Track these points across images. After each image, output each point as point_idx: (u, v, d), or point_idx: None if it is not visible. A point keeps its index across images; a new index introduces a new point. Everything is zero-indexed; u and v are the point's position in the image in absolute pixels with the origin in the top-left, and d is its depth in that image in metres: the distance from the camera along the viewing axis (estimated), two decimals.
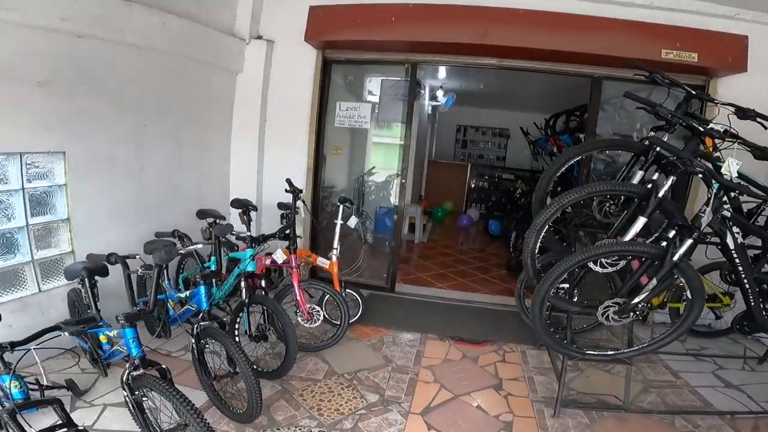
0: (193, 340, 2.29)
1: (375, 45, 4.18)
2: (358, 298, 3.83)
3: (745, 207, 2.80)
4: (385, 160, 5.02)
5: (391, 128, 4.78)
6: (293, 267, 3.16)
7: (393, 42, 4.03)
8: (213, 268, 3.01)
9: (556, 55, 3.77)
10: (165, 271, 2.76)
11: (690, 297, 2.34)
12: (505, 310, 4.33)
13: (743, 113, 2.38)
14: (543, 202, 2.70)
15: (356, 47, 4.29)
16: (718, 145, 2.48)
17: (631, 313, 2.36)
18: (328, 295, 3.47)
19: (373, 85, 4.80)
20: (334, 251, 3.51)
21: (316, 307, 3.32)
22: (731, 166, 2.14)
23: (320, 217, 4.69)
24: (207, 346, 2.34)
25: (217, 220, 3.19)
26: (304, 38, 4.14)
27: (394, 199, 4.66)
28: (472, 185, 10.22)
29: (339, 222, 3.53)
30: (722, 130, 2.30)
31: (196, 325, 2.28)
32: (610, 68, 3.89)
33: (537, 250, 2.52)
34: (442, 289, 4.93)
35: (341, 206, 3.57)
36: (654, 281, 2.26)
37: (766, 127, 2.37)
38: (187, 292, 2.49)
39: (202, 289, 2.33)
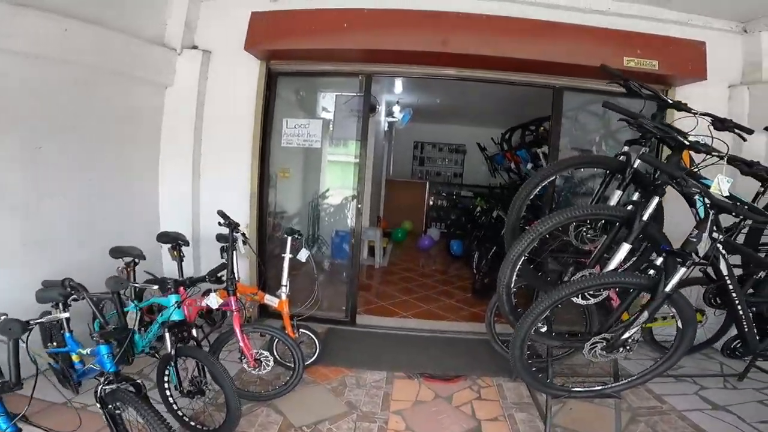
0: (99, 405, 1.85)
1: (326, 55, 3.85)
2: (314, 337, 3.38)
3: None
4: (341, 181, 4.65)
5: (348, 146, 4.44)
6: (234, 310, 2.71)
7: (345, 51, 3.71)
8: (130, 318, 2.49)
9: (517, 64, 3.59)
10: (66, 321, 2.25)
11: (681, 327, 2.16)
12: (475, 339, 4.00)
13: (721, 124, 2.21)
14: (516, 229, 2.47)
15: (305, 57, 3.94)
16: (695, 160, 2.34)
17: (621, 348, 2.15)
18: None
19: (326, 100, 4.46)
20: (283, 289, 3.10)
21: (264, 352, 2.89)
22: (721, 184, 1.96)
23: (270, 246, 4.22)
24: (118, 410, 1.88)
25: (136, 260, 2.66)
26: (244, 47, 3.73)
27: (351, 222, 4.28)
28: (431, 203, 10.05)
29: (287, 256, 3.11)
30: (704, 143, 2.12)
31: (99, 389, 1.85)
32: (571, 78, 3.76)
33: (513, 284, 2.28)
34: (407, 318, 4.57)
35: (289, 238, 3.15)
36: (645, 314, 2.05)
37: (744, 139, 2.22)
38: (88, 350, 1.97)
39: (102, 349, 1.85)
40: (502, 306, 2.36)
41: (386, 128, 8.71)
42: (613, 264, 2.21)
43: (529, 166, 6.27)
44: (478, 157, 9.13)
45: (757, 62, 3.68)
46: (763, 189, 2.58)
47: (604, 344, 2.17)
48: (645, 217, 2.14)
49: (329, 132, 4.37)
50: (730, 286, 2.10)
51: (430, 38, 3.45)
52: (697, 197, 2.05)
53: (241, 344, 2.72)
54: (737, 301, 2.13)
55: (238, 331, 2.70)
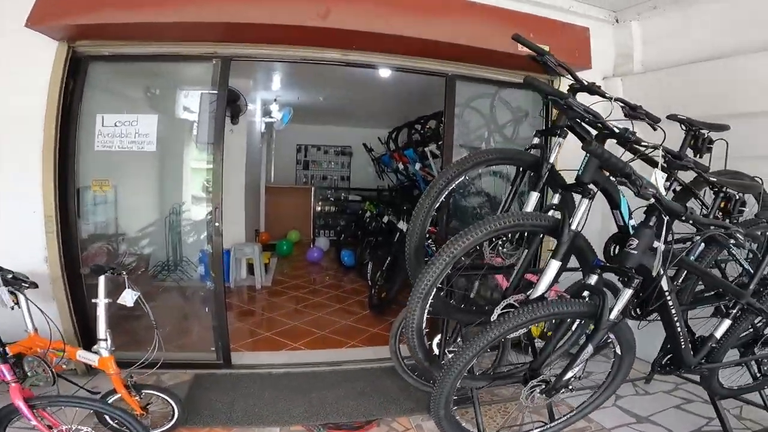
0: None
1: (162, 31, 2.92)
2: (167, 397, 2.46)
3: None
4: (206, 192, 3.75)
5: (207, 150, 3.55)
6: (8, 381, 1.87)
7: (191, 26, 2.83)
8: None
9: (407, 45, 3.08)
10: None
11: (620, 353, 1.91)
12: (381, 368, 3.43)
13: (633, 111, 1.97)
14: (421, 250, 2.01)
15: (131, 36, 2.97)
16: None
17: (564, 389, 1.83)
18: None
19: (166, 91, 3.52)
20: (102, 344, 2.20)
21: (82, 428, 2.03)
22: (658, 182, 1.68)
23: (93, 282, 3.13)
24: None
25: None
26: (26, 23, 2.62)
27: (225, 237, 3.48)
28: (318, 210, 9.38)
29: (101, 301, 2.18)
30: (633, 132, 1.83)
31: None
32: (464, 65, 3.40)
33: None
34: (300, 350, 3.82)
35: (101, 279, 2.22)
36: (590, 349, 1.70)
37: (654, 128, 2.01)
38: None
39: None
40: (414, 352, 1.88)
41: (263, 130, 7.86)
42: (541, 288, 1.83)
43: (418, 166, 6.01)
44: (364, 159, 8.74)
45: (628, 53, 3.69)
46: (669, 184, 2.45)
47: (544, 387, 1.81)
48: (575, 226, 1.79)
49: (195, 135, 3.54)
50: (670, 303, 1.85)
51: (307, 9, 2.76)
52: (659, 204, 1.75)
53: (34, 422, 1.88)
54: (676, 319, 1.90)
55: (21, 405, 1.84)
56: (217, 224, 3.21)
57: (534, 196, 2.03)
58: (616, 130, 1.76)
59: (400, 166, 6.75)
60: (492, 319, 1.85)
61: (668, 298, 1.80)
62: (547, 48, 3.17)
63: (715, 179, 2.10)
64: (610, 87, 3.76)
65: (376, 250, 5.80)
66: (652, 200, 1.54)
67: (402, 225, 5.01)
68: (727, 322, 2.02)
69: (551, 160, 2.03)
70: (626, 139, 1.75)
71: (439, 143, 5.24)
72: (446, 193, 1.97)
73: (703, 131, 2.40)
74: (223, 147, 3.21)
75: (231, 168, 5.04)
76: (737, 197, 2.13)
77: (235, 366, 3.35)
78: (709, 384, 2.15)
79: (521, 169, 2.12)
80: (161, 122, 3.27)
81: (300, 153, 10.08)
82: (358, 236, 7.27)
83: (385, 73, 4.43)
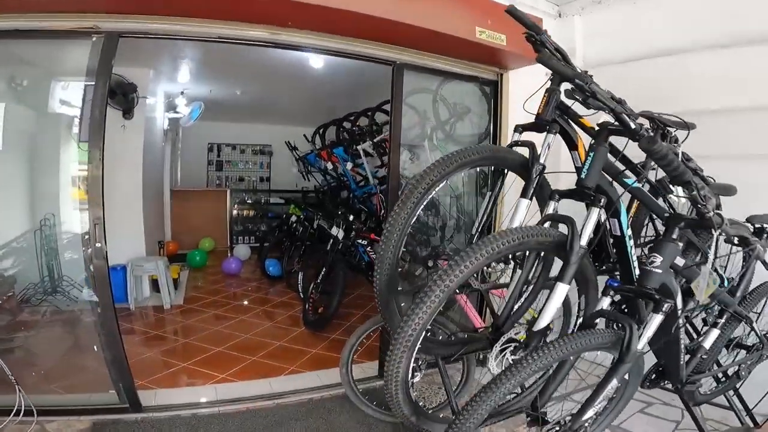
0: None
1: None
2: None
3: None
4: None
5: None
6: None
7: None
8: None
9: (353, 24, 2.61)
10: None
11: (626, 378, 1.65)
12: (331, 397, 2.97)
13: (619, 105, 1.77)
14: (394, 281, 1.66)
15: None
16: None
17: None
18: None
19: (37, 76, 2.79)
20: None
21: None
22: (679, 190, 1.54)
23: None
24: None
25: None
26: None
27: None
28: (235, 214, 8.57)
29: None
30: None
31: None
32: (413, 52, 3.04)
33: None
34: (230, 381, 3.20)
35: None
36: (614, 382, 1.47)
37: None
38: None
39: None
40: (398, 407, 1.53)
41: (167, 126, 6.88)
42: (546, 318, 1.54)
43: (349, 166, 5.61)
44: (287, 158, 8.11)
45: (570, 48, 3.62)
46: (642, 184, 2.33)
47: (558, 429, 1.54)
48: (584, 242, 1.52)
49: (69, 129, 2.88)
50: (680, 322, 1.66)
51: None
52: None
53: None
54: (681, 336, 1.73)
55: None
56: (98, 245, 2.48)
57: (524, 204, 1.71)
58: (632, 126, 1.51)
59: (329, 165, 6.31)
60: (490, 358, 1.52)
61: (679, 318, 1.61)
62: (504, 38, 2.98)
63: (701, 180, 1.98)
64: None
65: (306, 258, 5.28)
66: (712, 212, 1.30)
67: (336, 231, 4.56)
68: (715, 332, 1.92)
69: (542, 161, 1.74)
70: (640, 137, 1.50)
71: (375, 141, 4.90)
72: (425, 203, 1.62)
73: (670, 129, 2.32)
74: (103, 145, 2.50)
75: (124, 170, 4.39)
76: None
77: (147, 409, 2.71)
78: (692, 394, 2.04)
79: (506, 172, 1.82)
80: (23, 116, 2.64)
81: (212, 152, 9.10)
82: (284, 243, 6.65)
83: (318, 62, 3.95)
